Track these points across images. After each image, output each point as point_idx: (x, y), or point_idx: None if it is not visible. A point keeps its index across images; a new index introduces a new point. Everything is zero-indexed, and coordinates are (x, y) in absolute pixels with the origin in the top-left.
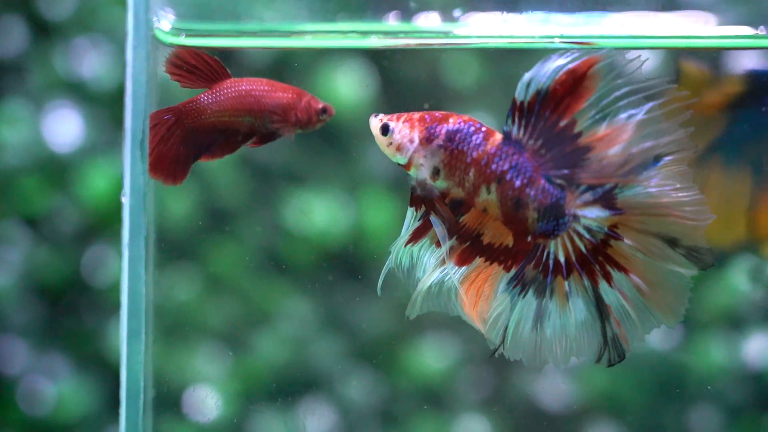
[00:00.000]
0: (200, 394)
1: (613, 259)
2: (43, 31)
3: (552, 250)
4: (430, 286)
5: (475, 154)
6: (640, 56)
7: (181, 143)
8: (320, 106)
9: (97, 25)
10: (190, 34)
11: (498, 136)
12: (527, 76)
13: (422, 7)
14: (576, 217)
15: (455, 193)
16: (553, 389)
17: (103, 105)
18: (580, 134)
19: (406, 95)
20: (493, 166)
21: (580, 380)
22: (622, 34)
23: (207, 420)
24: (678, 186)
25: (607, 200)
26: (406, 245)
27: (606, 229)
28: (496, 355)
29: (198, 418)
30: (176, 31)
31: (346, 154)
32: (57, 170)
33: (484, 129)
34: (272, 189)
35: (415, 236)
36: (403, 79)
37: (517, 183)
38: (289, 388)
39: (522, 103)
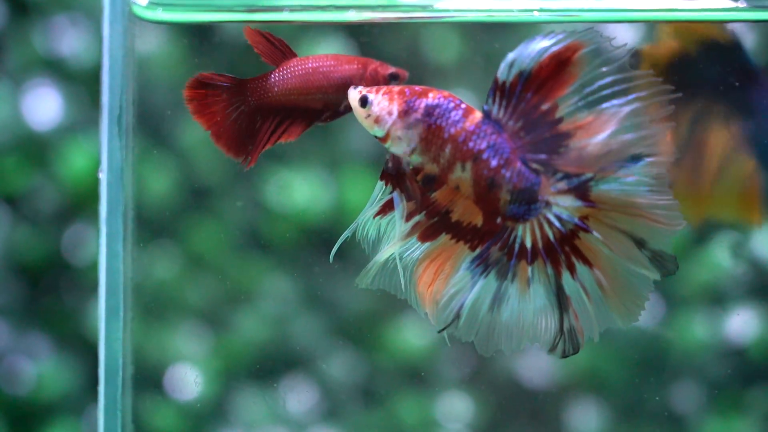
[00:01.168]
0: (180, 373)
1: (580, 251)
2: (22, 9)
3: (520, 234)
4: (386, 261)
5: (453, 131)
6: (626, 44)
7: (247, 120)
8: (389, 72)
9: (76, 2)
10: (168, 8)
11: (477, 114)
12: (511, 56)
13: None
14: (548, 204)
15: (429, 168)
16: (535, 366)
17: (83, 83)
18: (561, 120)
19: None
20: (470, 144)
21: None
22: (602, 7)
23: (187, 398)
24: (654, 188)
25: (581, 191)
26: (374, 217)
27: (576, 220)
28: (446, 333)
29: (178, 397)
30: (154, 6)
31: (327, 131)
32: (36, 149)
33: (463, 106)
34: (253, 167)
35: (384, 209)
36: (382, 54)
37: (493, 163)
38: (270, 366)
39: (504, 83)
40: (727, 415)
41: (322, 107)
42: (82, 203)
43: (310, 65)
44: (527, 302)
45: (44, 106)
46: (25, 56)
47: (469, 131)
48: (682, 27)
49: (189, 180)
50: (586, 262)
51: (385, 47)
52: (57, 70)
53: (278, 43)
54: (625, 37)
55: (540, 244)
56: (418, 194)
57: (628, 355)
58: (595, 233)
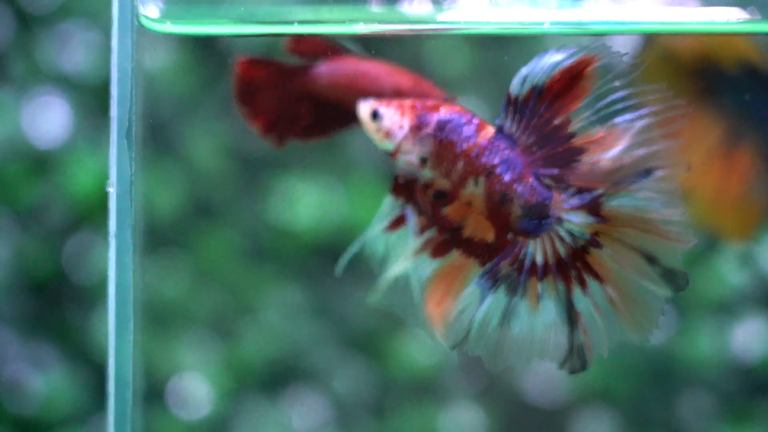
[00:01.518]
0: (190, 386)
1: (591, 266)
2: (27, 19)
3: (531, 250)
4: (397, 280)
5: (465, 146)
6: (639, 60)
7: (287, 106)
8: (440, 96)
9: (82, 12)
10: (177, 20)
11: (490, 129)
12: (524, 70)
13: None
14: (560, 220)
15: (440, 183)
16: (543, 380)
17: (89, 94)
18: (573, 135)
19: None
20: (483, 159)
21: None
22: (612, 19)
23: (197, 411)
24: (666, 203)
25: (593, 206)
26: (384, 232)
27: (587, 236)
28: (458, 349)
29: (187, 410)
30: (162, 18)
31: (335, 144)
32: (42, 161)
33: (476, 121)
34: (260, 178)
35: (395, 224)
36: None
37: (506, 178)
38: (278, 377)
39: (517, 97)
40: (736, 427)
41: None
42: (87, 216)
43: (362, 67)
44: (537, 318)
45: (50, 117)
46: (30, 67)
47: (482, 146)
48: (720, 42)
49: (197, 192)
50: (597, 278)
51: (393, 58)
52: (63, 81)
53: (331, 40)
54: (635, 48)
55: (551, 260)
56: (429, 209)
57: (637, 369)
58: (605, 249)
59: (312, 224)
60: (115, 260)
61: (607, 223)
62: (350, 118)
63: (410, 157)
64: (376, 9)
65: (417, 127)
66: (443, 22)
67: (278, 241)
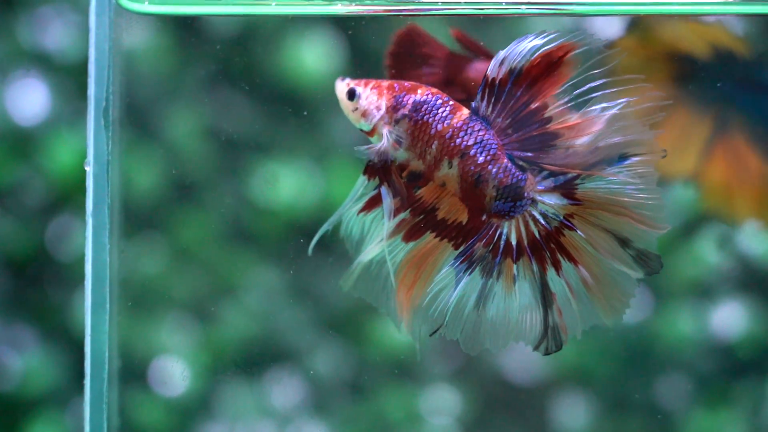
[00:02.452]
0: (167, 366)
1: (565, 248)
2: (6, 1)
3: (505, 231)
4: (370, 264)
5: (440, 127)
6: (618, 48)
7: (430, 78)
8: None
9: None
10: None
11: (465, 111)
12: (502, 53)
13: None
14: (534, 201)
15: (415, 165)
16: (521, 361)
17: (68, 75)
18: (549, 119)
19: (374, 64)
20: (458, 140)
21: None
22: (590, 1)
23: (174, 391)
24: (641, 187)
25: (567, 189)
26: (358, 214)
27: (561, 218)
28: (437, 335)
29: (164, 390)
30: None
31: (314, 125)
32: (21, 141)
33: (451, 102)
34: (239, 159)
35: (369, 205)
36: (370, 48)
37: (480, 159)
38: (257, 359)
39: (494, 80)
40: (713, 409)
41: None
42: (67, 196)
43: None
44: (512, 300)
45: (29, 98)
46: (9, 49)
47: (457, 128)
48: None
49: (175, 172)
50: (571, 259)
51: (373, 40)
52: (42, 62)
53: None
54: (613, 30)
55: (525, 242)
56: (404, 190)
57: (615, 350)
58: (579, 232)
59: (291, 205)
60: (91, 239)
61: (581, 206)
62: None
63: (386, 137)
64: None
65: (394, 108)
66: (421, 3)
67: (257, 223)
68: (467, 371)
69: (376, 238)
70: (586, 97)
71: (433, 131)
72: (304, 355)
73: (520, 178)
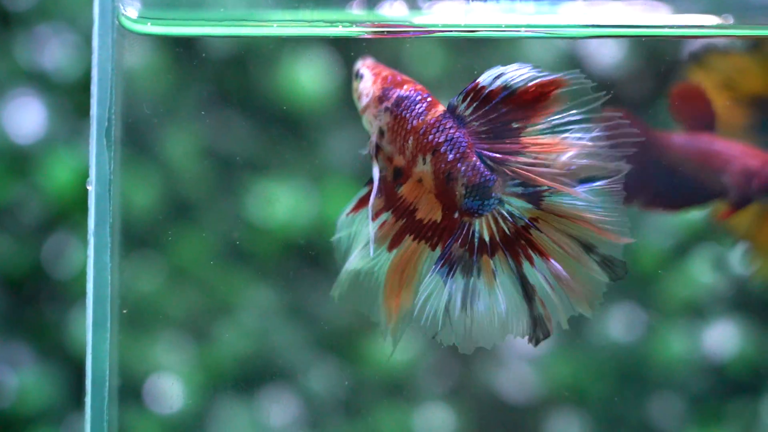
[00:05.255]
0: (165, 384)
1: (535, 244)
2: (4, 19)
3: (477, 229)
4: (358, 274)
5: (415, 123)
6: (604, 92)
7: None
8: None
9: (60, 13)
10: (157, 21)
11: (440, 108)
12: (499, 68)
13: None
14: (501, 201)
15: (397, 160)
16: (516, 379)
17: (66, 94)
18: (524, 135)
19: None
20: (430, 137)
21: (543, 370)
22: (586, 24)
23: (172, 409)
24: (606, 206)
25: (533, 198)
26: (347, 215)
27: (526, 219)
28: (435, 339)
29: (163, 408)
30: (143, 19)
31: (311, 145)
32: (18, 160)
33: (429, 99)
34: (237, 179)
35: (358, 206)
36: None
37: (450, 156)
38: (253, 377)
39: (483, 88)
40: (706, 428)
41: (720, 188)
42: (64, 215)
43: (716, 146)
44: (497, 294)
45: (27, 117)
46: (7, 67)
47: (430, 124)
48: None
49: (175, 192)
50: (543, 254)
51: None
52: (40, 81)
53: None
54: (612, 54)
55: (497, 238)
56: (389, 188)
57: (609, 369)
58: (544, 234)
59: (287, 224)
60: (93, 258)
61: (545, 212)
62: (700, 195)
63: (371, 127)
64: (355, 12)
65: (379, 99)
66: (421, 25)
67: (254, 242)
68: (461, 390)
69: (361, 242)
70: (562, 129)
71: (409, 126)
72: (300, 374)
73: (488, 177)
